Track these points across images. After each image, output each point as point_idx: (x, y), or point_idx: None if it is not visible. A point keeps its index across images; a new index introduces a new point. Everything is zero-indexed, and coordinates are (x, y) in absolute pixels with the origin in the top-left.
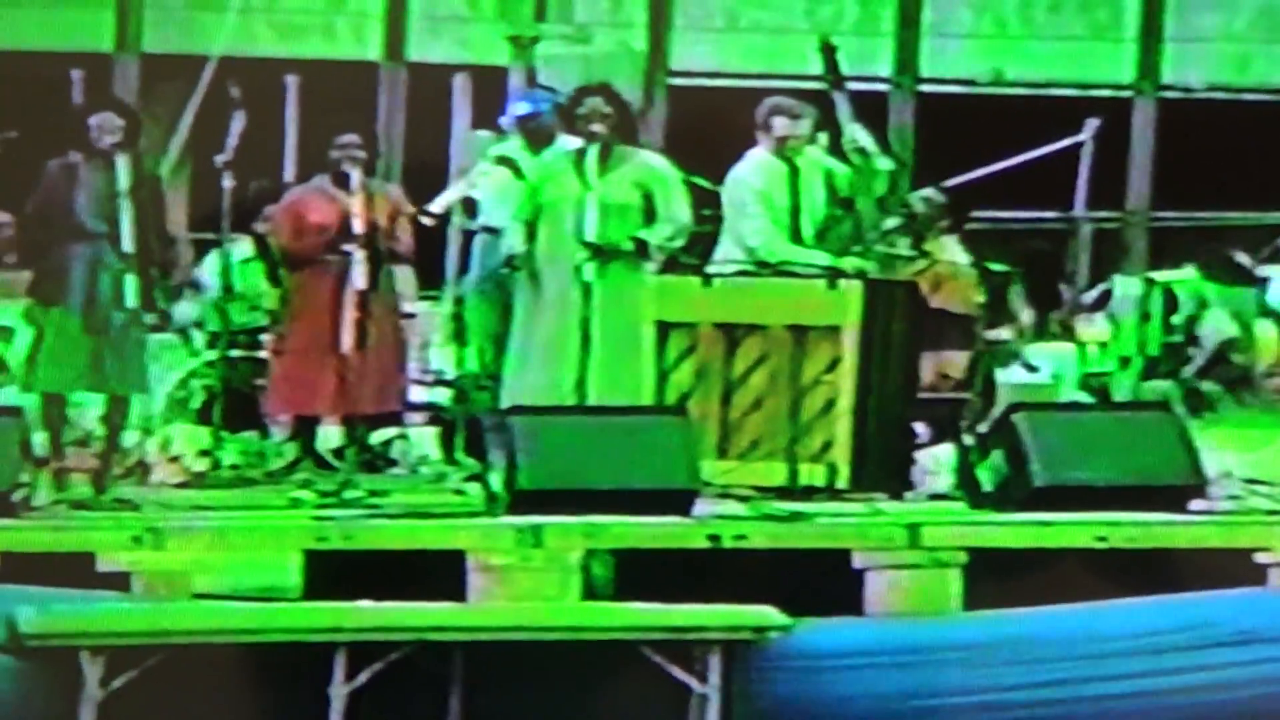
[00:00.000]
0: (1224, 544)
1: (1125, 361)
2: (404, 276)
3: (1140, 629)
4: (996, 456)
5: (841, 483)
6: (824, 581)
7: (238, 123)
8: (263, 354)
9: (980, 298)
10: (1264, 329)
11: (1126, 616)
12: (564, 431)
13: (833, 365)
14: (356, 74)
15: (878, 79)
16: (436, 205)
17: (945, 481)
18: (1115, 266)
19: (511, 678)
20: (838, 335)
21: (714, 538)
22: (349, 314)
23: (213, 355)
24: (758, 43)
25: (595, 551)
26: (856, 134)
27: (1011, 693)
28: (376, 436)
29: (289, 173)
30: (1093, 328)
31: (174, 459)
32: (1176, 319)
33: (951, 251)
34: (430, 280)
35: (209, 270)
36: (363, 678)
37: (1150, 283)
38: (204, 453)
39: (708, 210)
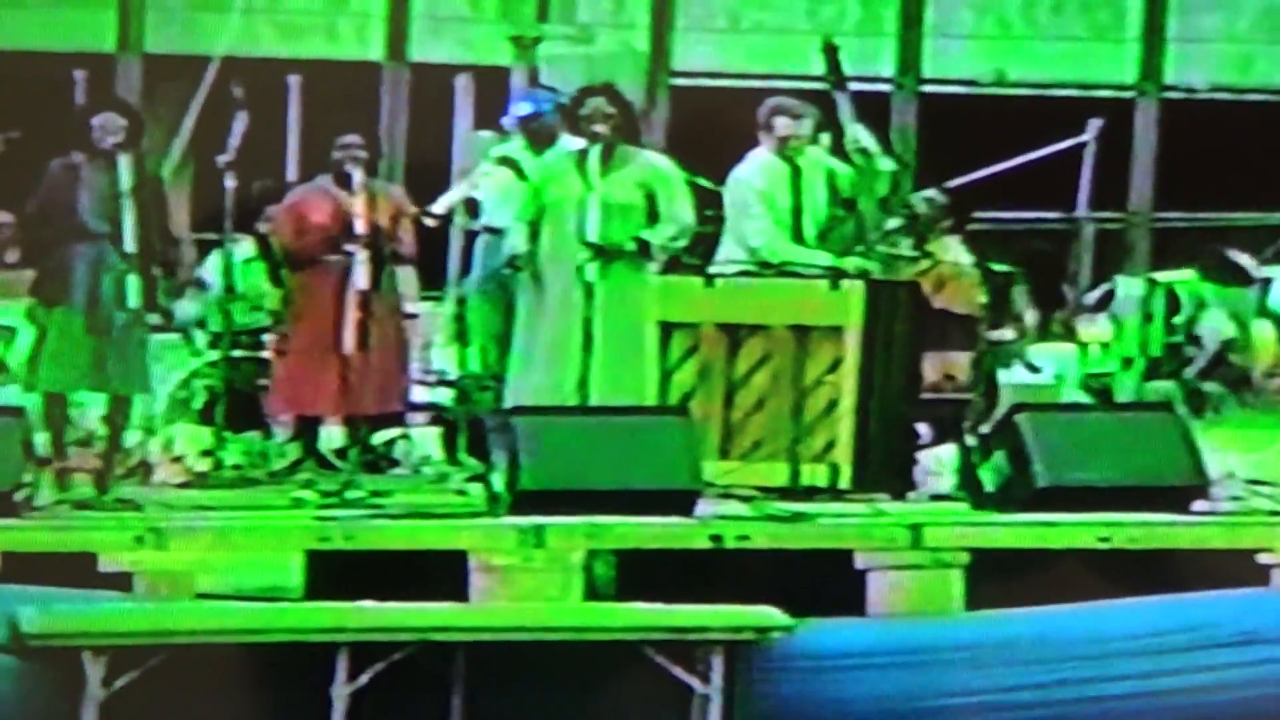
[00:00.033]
0: (1226, 545)
1: (1128, 362)
2: (406, 277)
3: (1142, 629)
4: (999, 457)
5: (844, 483)
6: (826, 582)
7: (240, 123)
8: (265, 354)
9: (983, 298)
10: (1261, 329)
11: (1128, 617)
12: (566, 432)
13: (835, 366)
14: (359, 74)
15: (880, 79)
16: (438, 206)
17: (947, 482)
18: (1118, 267)
19: (514, 678)
20: (840, 336)
21: (716, 538)
22: (351, 314)
23: (215, 355)
24: (760, 43)
25: (597, 552)
26: (859, 134)
27: (1014, 693)
28: (379, 437)
29: (291, 173)
30: (1094, 328)
31: (176, 459)
32: (1178, 320)
33: (954, 252)
34: (432, 281)
35: (211, 269)
36: (365, 678)
37: (1153, 283)
38: (206, 453)
39: (709, 211)
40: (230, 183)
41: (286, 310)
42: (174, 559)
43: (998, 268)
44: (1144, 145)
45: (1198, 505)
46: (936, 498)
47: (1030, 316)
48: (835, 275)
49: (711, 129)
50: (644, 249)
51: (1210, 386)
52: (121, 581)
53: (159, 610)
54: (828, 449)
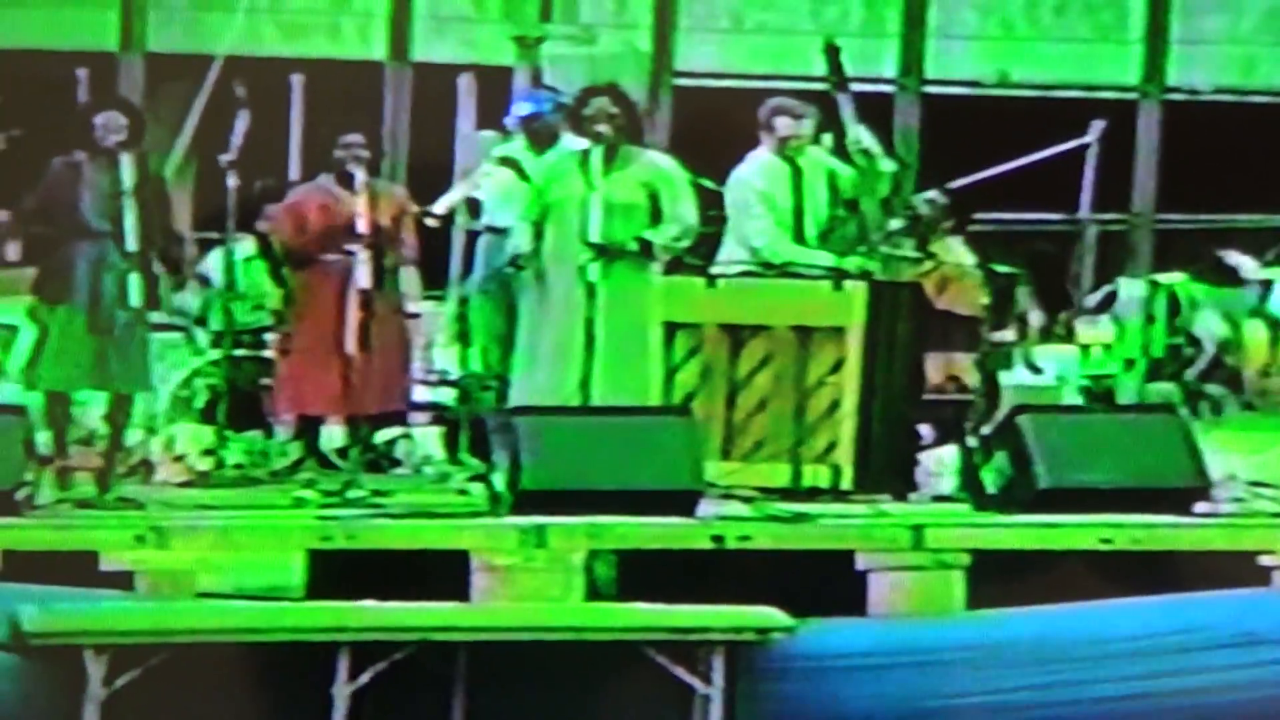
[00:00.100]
0: (1228, 547)
1: (1129, 364)
2: (408, 276)
3: (1143, 630)
4: (1001, 458)
5: (845, 484)
6: (827, 583)
7: (242, 122)
8: (267, 353)
9: (985, 299)
10: (1254, 330)
11: (1129, 618)
12: (568, 432)
13: (837, 366)
14: (361, 74)
15: (883, 80)
16: (440, 206)
17: (949, 483)
18: (1120, 268)
19: (515, 678)
20: (842, 336)
21: (718, 539)
22: (353, 314)
23: (217, 354)
24: (762, 44)
25: (599, 552)
26: (861, 135)
27: (1015, 694)
28: (380, 436)
29: (294, 172)
30: (1094, 330)
31: (178, 458)
32: (1180, 322)
33: (957, 253)
34: (434, 280)
35: (213, 266)
36: (366, 677)
37: (1155, 285)
38: (208, 452)
39: (711, 211)
40: (232, 182)
41: (288, 309)
42: (175, 558)
43: (1000, 269)
44: (1147, 147)
45: (1199, 507)
46: (938, 499)
47: (1035, 317)
48: (838, 276)
49: (714, 129)
50: (646, 249)
51: (1212, 388)
52: (123, 580)
53: (160, 609)
54: (829, 450)
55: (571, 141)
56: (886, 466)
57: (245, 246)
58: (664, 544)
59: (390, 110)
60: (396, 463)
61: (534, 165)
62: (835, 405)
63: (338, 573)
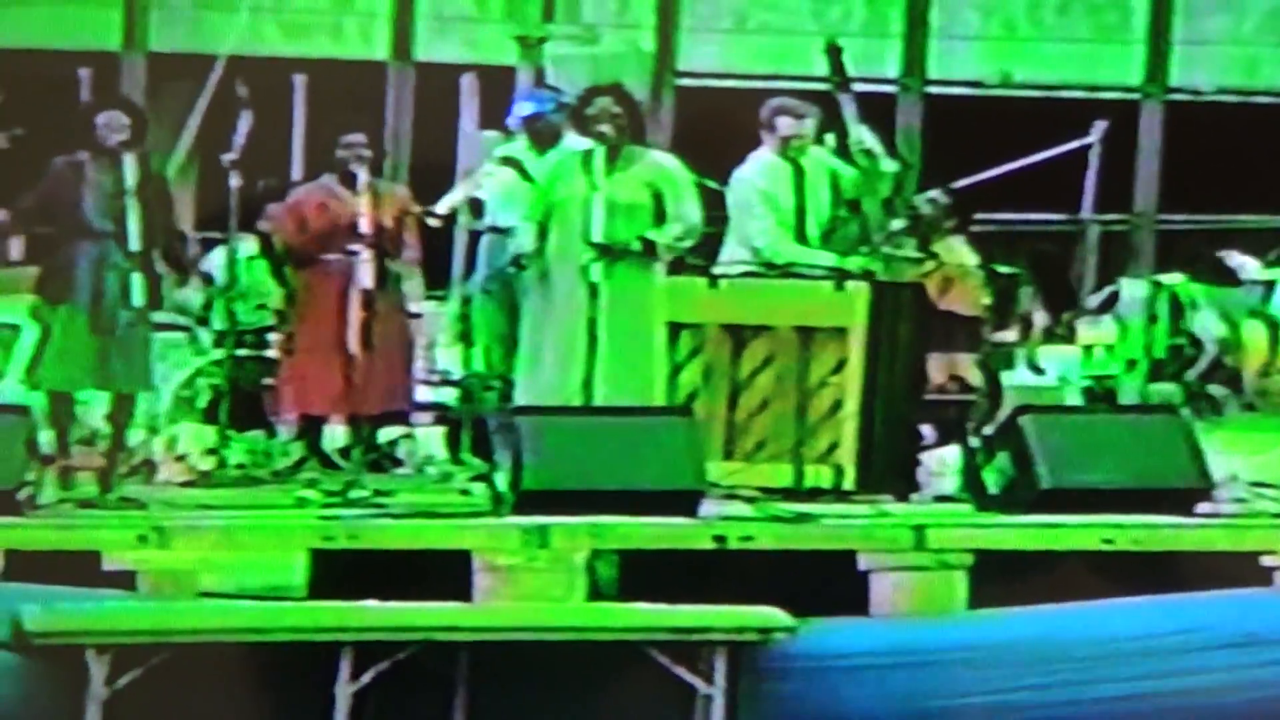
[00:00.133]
0: (1230, 547)
1: (1131, 364)
2: (410, 276)
3: (1144, 631)
4: (1003, 459)
5: (847, 484)
6: (829, 583)
7: (245, 122)
8: (269, 353)
9: (987, 299)
10: (1252, 330)
11: (1130, 618)
12: (570, 432)
13: (839, 367)
14: (364, 74)
15: (885, 80)
16: (442, 206)
17: (951, 483)
18: (1123, 269)
19: (516, 678)
20: (844, 337)
21: (719, 539)
22: (355, 314)
23: (219, 354)
24: (765, 44)
25: (601, 552)
26: (863, 135)
27: (1016, 694)
28: (383, 436)
29: (296, 172)
30: (1095, 330)
31: (180, 458)
32: (1183, 323)
33: (959, 253)
34: (437, 280)
35: (216, 264)
36: (368, 677)
37: (1157, 285)
38: (210, 451)
39: (713, 211)
40: (235, 182)
41: (291, 309)
42: (177, 558)
43: (1002, 269)
44: (1149, 147)
45: (1201, 508)
46: (940, 499)
47: (1039, 318)
48: (840, 276)
49: (717, 129)
50: (650, 249)
51: (1215, 389)
52: (125, 580)
53: (162, 609)
54: (831, 450)
55: (574, 141)
56: (888, 467)
57: (248, 246)
58: (666, 544)
59: (393, 110)
60: (399, 463)
61: (536, 165)
62: (837, 405)
63: (340, 573)
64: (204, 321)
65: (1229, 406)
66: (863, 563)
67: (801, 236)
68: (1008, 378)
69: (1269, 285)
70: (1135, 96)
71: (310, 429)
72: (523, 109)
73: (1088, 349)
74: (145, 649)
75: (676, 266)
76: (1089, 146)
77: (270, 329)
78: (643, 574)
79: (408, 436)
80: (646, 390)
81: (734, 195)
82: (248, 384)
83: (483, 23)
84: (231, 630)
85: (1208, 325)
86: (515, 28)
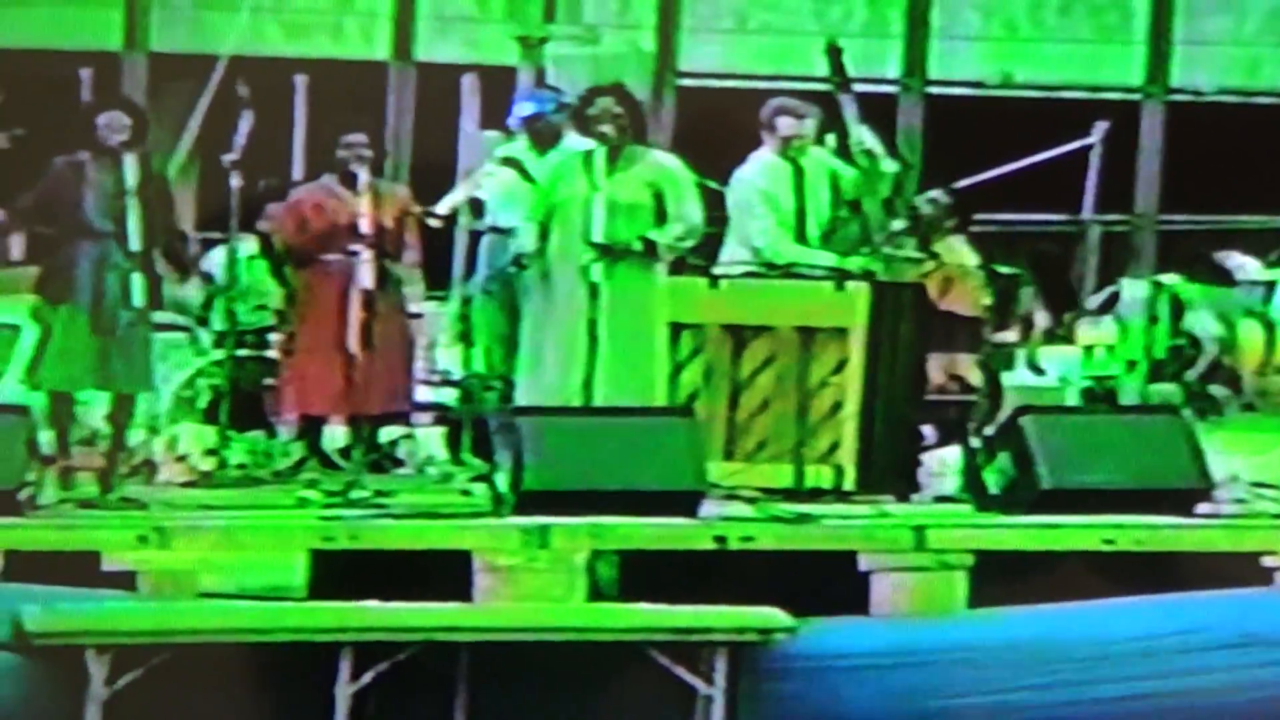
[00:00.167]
0: (1231, 548)
1: (1132, 365)
2: (411, 276)
3: (1143, 631)
4: (1003, 459)
5: (848, 485)
6: (830, 583)
7: (246, 122)
8: (270, 353)
9: (988, 300)
10: (1249, 330)
11: (1130, 618)
12: (570, 432)
13: (840, 367)
14: (365, 74)
15: (886, 81)
16: (442, 207)
17: (952, 484)
18: (1123, 269)
19: (517, 678)
20: (845, 337)
21: (720, 539)
22: (355, 314)
23: (220, 354)
24: (766, 44)
25: (601, 552)
26: (863, 136)
27: (1016, 694)
28: (383, 436)
29: (297, 172)
30: (1095, 330)
31: (180, 458)
32: (1183, 323)
33: (959, 253)
34: (437, 280)
35: (216, 263)
36: (368, 678)
37: (1158, 286)
38: (210, 452)
39: (714, 211)
40: (236, 182)
41: (291, 309)
42: (178, 558)
43: (1003, 269)
44: (1150, 148)
45: (1202, 508)
46: (941, 500)
47: (1041, 318)
48: (840, 277)
49: (717, 130)
50: (651, 248)
51: (1215, 389)
52: (125, 580)
53: (162, 609)
54: (832, 450)
55: (575, 141)
56: (889, 467)
57: (248, 245)
58: (666, 545)
59: (393, 110)
60: (399, 463)
61: (537, 165)
62: (838, 406)
63: (340, 573)
64: (204, 321)
65: (1229, 407)
66: (863, 563)
67: (802, 237)
68: (1008, 378)
69: (1270, 286)
70: (1136, 97)
71: (311, 429)
72: (523, 109)
73: (1088, 349)
74: (145, 649)
75: (677, 267)
76: (1090, 147)
77: (270, 329)
78: (643, 574)
79: (408, 437)
80: (647, 391)
81: (734, 195)
82: (248, 384)
83: (484, 23)
84: (232, 631)
85: (1204, 325)
86: (516, 28)
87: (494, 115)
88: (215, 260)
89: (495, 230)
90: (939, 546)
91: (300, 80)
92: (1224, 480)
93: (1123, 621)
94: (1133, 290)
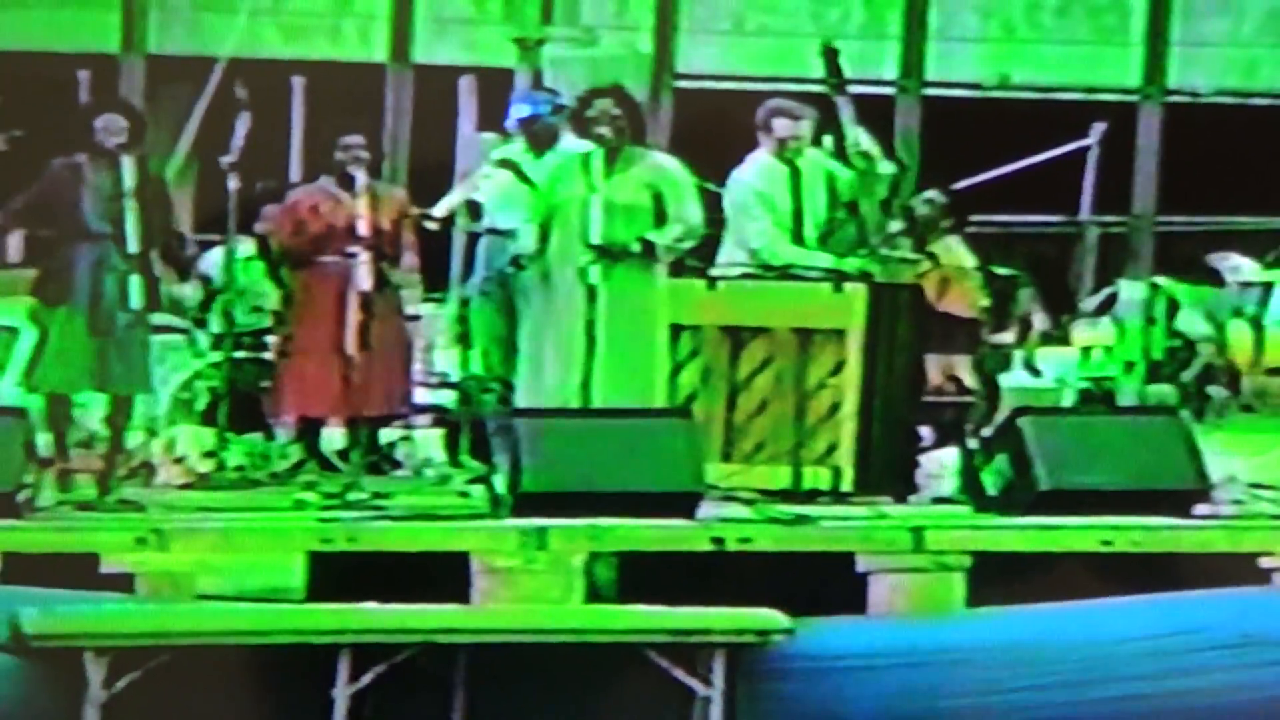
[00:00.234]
0: (1229, 548)
1: (1129, 366)
2: (408, 278)
3: (1142, 631)
4: (1001, 460)
5: (846, 486)
6: (828, 585)
7: (243, 124)
8: (268, 355)
9: (985, 301)
10: (1238, 330)
11: (1128, 619)
12: (568, 434)
13: (837, 368)
14: (362, 75)
15: (884, 82)
16: (439, 209)
17: (950, 485)
18: (1121, 271)
19: (515, 680)
20: (842, 338)
21: (718, 541)
22: (353, 316)
23: (218, 357)
24: (763, 46)
25: (599, 554)
26: (860, 138)
27: (1015, 694)
28: (381, 438)
29: (294, 174)
30: (1091, 332)
31: (178, 460)
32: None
33: (957, 254)
34: (435, 282)
35: (214, 264)
36: (366, 679)
37: (1155, 287)
38: (208, 454)
39: (711, 213)
40: (233, 184)
41: (289, 311)
42: (176, 560)
43: (1000, 271)
44: (1147, 149)
45: (1200, 509)
46: (938, 501)
47: (1040, 319)
48: (838, 278)
49: (715, 131)
50: (649, 250)
51: (1213, 390)
52: (123, 582)
53: (161, 611)
54: (830, 452)
55: (572, 143)
56: (887, 468)
57: (246, 247)
58: (664, 546)
59: (391, 112)
60: (397, 465)
61: (534, 167)
62: (836, 407)
63: (338, 575)
64: (201, 323)
65: (1227, 408)
66: (861, 564)
67: (799, 238)
68: (1006, 379)
69: (1267, 287)
70: (1134, 98)
71: (309, 431)
72: (519, 111)
73: (1085, 350)
74: (143, 651)
75: (675, 268)
76: (1087, 148)
77: (268, 331)
78: (641, 576)
79: (406, 439)
80: (645, 392)
81: (731, 197)
82: (246, 386)
83: (481, 25)
84: (230, 632)
85: (1193, 326)
86: (514, 30)
87: (491, 117)
88: (213, 262)
89: (493, 232)
90: (937, 548)
91: (298, 82)
92: (1222, 481)
93: (1121, 622)
94: (1130, 291)
